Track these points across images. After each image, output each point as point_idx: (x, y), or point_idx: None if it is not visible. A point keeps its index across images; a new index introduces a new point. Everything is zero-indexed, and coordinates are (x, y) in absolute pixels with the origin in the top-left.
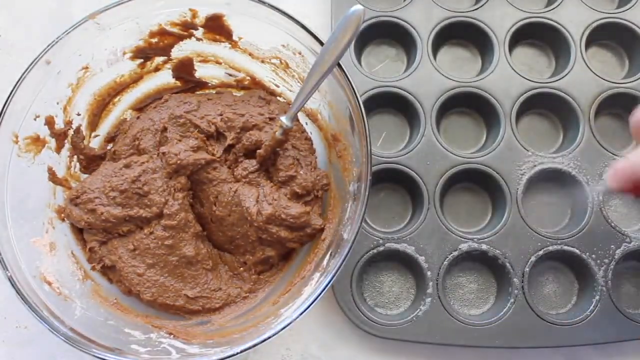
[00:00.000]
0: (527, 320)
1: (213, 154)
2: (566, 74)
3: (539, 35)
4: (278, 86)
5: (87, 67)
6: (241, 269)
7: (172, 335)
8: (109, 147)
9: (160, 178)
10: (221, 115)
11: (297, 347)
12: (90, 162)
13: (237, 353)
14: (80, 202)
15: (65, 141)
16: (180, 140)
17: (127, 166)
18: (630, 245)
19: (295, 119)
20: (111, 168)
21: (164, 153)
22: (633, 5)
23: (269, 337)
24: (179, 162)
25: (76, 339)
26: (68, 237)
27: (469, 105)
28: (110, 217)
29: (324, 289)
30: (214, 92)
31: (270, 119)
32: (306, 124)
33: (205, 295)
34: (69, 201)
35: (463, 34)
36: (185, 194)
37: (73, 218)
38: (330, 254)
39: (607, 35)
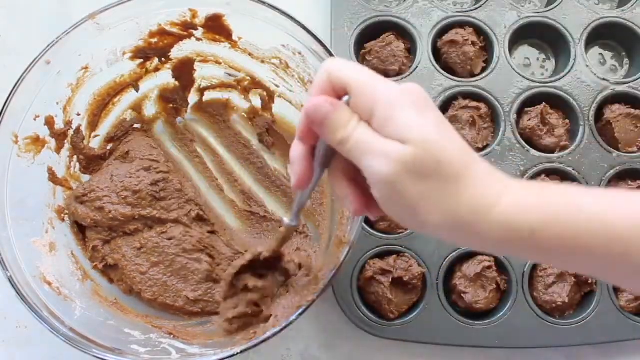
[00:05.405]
0: (527, 320)
1: None
2: (566, 74)
3: (538, 35)
4: (278, 86)
5: (87, 67)
6: None
7: (172, 335)
8: (109, 147)
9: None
10: None
11: (297, 347)
12: (90, 162)
13: (237, 353)
14: (87, 200)
15: (65, 141)
16: None
17: (146, 169)
18: None
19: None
20: (125, 169)
21: None
22: (633, 5)
23: (269, 337)
24: None
25: (76, 339)
26: (68, 237)
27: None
28: (119, 216)
29: (324, 289)
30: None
31: None
32: None
33: (205, 299)
34: (74, 199)
35: None
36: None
37: (78, 216)
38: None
39: (607, 35)
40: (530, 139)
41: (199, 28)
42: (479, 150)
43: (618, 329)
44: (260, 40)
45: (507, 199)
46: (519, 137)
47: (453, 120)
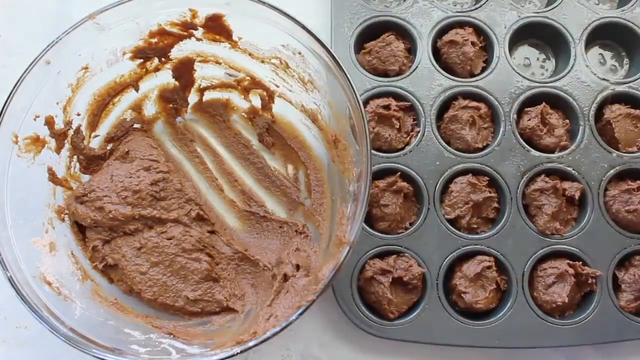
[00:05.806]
0: (527, 320)
1: None
2: (566, 74)
3: (538, 35)
4: (278, 86)
5: (87, 67)
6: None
7: (172, 335)
8: (109, 147)
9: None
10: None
11: (297, 347)
12: (90, 162)
13: (237, 353)
14: (87, 200)
15: (65, 141)
16: None
17: (146, 169)
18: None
19: None
20: (125, 169)
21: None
22: (633, 5)
23: (269, 337)
24: None
25: (76, 339)
26: (68, 237)
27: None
28: (119, 216)
29: (324, 289)
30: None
31: None
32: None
33: (205, 299)
34: (75, 199)
35: None
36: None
37: (78, 216)
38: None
39: (607, 35)
40: (530, 139)
41: (199, 28)
42: (478, 150)
43: (618, 329)
44: (260, 40)
45: None
46: (519, 137)
47: (453, 120)
